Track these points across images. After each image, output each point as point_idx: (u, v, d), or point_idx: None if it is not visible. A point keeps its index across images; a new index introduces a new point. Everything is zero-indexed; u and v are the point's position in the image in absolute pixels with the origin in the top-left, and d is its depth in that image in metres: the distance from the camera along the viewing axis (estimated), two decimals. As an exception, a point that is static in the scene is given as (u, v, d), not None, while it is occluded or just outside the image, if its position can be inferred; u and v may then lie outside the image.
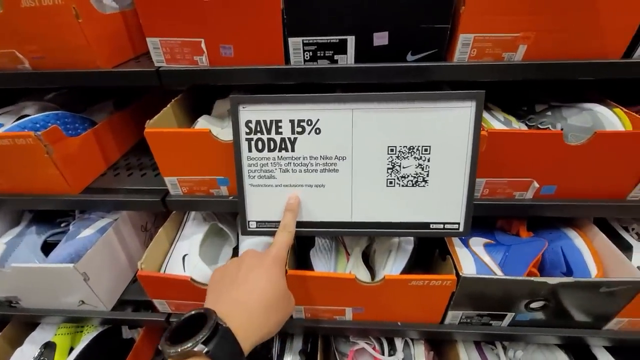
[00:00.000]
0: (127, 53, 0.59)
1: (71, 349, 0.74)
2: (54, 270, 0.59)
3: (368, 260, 0.66)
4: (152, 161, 0.69)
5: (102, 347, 0.75)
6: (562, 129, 0.55)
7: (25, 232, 0.70)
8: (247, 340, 0.36)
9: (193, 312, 0.36)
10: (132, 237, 0.72)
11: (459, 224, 0.50)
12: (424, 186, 0.49)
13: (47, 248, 0.67)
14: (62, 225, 0.72)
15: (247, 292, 0.40)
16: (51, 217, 0.74)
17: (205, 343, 0.33)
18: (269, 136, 0.48)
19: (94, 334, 0.75)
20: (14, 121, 0.63)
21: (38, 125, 0.60)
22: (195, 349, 0.32)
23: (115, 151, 0.70)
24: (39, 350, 0.71)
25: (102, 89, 0.77)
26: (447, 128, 0.46)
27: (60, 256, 0.61)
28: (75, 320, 0.72)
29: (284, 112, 0.47)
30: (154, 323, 0.67)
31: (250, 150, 0.49)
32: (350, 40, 0.47)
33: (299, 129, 0.48)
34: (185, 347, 0.32)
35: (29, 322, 0.76)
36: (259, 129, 0.48)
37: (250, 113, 0.48)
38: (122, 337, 0.79)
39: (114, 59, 0.56)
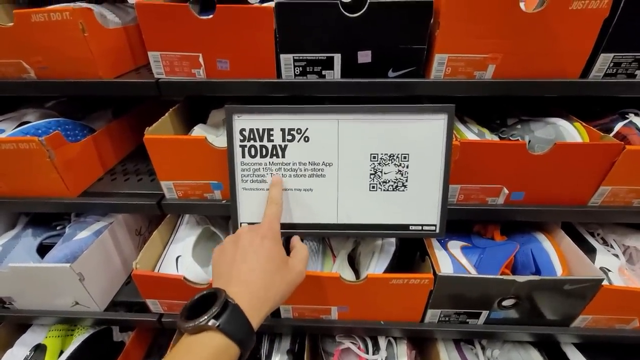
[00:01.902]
0: (128, 65, 0.63)
1: (61, 352, 0.75)
2: (50, 269, 0.61)
3: (354, 262, 0.70)
4: (148, 167, 0.72)
5: (93, 350, 0.76)
6: (529, 141, 0.60)
7: (21, 234, 0.72)
8: (255, 317, 0.38)
9: (205, 292, 0.39)
10: (126, 240, 0.74)
11: (435, 225, 0.55)
12: (403, 190, 0.53)
13: (43, 250, 0.69)
14: (58, 228, 0.74)
15: (247, 270, 0.42)
16: (47, 220, 0.76)
17: (216, 318, 0.35)
18: (261, 143, 0.52)
19: (85, 336, 0.76)
20: (15, 127, 0.66)
21: (40, 131, 0.62)
22: (209, 323, 0.35)
23: (113, 157, 0.73)
24: (29, 352, 0.72)
25: (100, 98, 0.80)
26: (423, 138, 0.51)
27: (57, 257, 0.64)
28: (69, 321, 0.73)
29: (276, 122, 0.52)
30: (146, 323, 0.68)
31: (243, 156, 0.53)
32: (337, 58, 0.51)
33: (289, 137, 0.52)
34: (199, 321, 0.35)
35: (21, 324, 0.77)
36: (252, 137, 0.52)
37: (244, 122, 0.52)
38: (113, 340, 0.80)
39: (116, 70, 0.60)
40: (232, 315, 0.36)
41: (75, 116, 0.71)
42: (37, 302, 0.69)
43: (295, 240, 0.50)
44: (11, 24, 0.52)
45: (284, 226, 0.53)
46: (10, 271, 0.61)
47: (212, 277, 0.45)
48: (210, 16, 0.50)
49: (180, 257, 0.65)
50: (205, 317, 0.35)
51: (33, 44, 0.54)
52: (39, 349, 0.73)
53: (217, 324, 0.35)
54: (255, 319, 0.39)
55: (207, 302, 0.37)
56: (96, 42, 0.55)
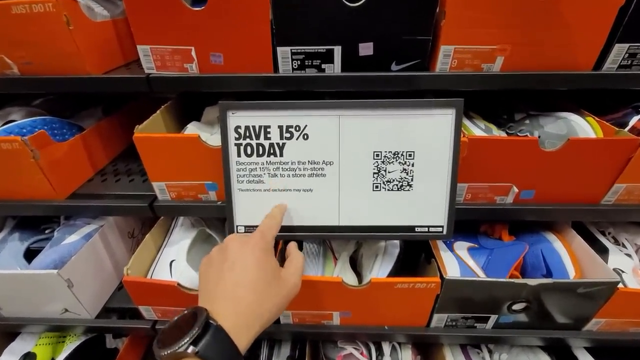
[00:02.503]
0: (118, 60, 0.60)
1: (52, 360, 0.73)
2: (37, 276, 0.58)
3: (356, 265, 0.67)
4: (140, 167, 0.68)
5: (85, 357, 0.73)
6: (539, 137, 0.58)
7: (8, 238, 0.69)
8: (242, 338, 0.35)
9: (185, 312, 0.36)
10: (118, 244, 0.72)
11: (442, 227, 0.52)
12: (408, 190, 0.51)
13: (30, 255, 0.66)
14: (47, 231, 0.71)
15: (234, 285, 0.38)
16: (35, 223, 0.73)
17: (195, 343, 0.32)
18: (257, 141, 0.49)
19: (77, 343, 0.73)
20: (0, 126, 0.63)
21: (25, 131, 0.59)
22: (188, 350, 0.31)
23: (103, 157, 0.70)
24: (18, 361, 0.69)
25: (90, 95, 0.77)
26: (429, 134, 0.48)
27: (44, 262, 0.61)
28: (58, 329, 0.70)
29: (273, 118, 0.49)
30: (139, 330, 0.66)
31: (239, 155, 0.50)
32: (337, 50, 0.49)
33: (288, 135, 0.49)
34: (175, 348, 0.31)
35: (9, 332, 0.74)
36: (248, 135, 0.49)
37: (239, 119, 0.49)
38: (106, 347, 0.77)
39: (104, 65, 0.57)
40: (214, 338, 0.33)
41: (64, 114, 0.68)
42: (24, 310, 0.66)
43: (291, 247, 0.47)
44: (-9, 16, 0.49)
45: (282, 229, 0.50)
46: (-6, 278, 0.58)
47: (199, 291, 0.41)
48: (203, 7, 0.47)
49: (175, 261, 0.62)
50: (183, 342, 0.31)
51: (15, 38, 0.51)
52: (29, 357, 0.71)
53: (197, 349, 0.31)
54: (243, 341, 0.35)
55: (187, 324, 0.33)
56: (83, 36, 0.52)
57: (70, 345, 0.74)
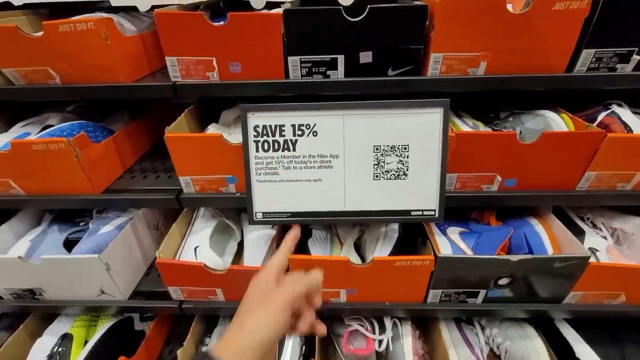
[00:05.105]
0: (144, 69, 0.67)
1: (86, 342, 0.80)
2: (80, 260, 0.66)
3: (360, 250, 0.75)
4: (165, 165, 0.77)
5: (115, 338, 0.80)
6: (520, 132, 0.65)
7: (48, 230, 0.77)
8: None
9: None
10: (145, 234, 0.79)
11: (435, 210, 0.59)
12: (404, 179, 0.58)
13: (68, 245, 0.74)
14: (81, 224, 0.78)
15: (252, 333, 0.39)
16: (70, 217, 0.80)
17: None
18: (273, 138, 0.57)
19: (108, 325, 0.80)
20: (40, 130, 0.71)
21: (65, 133, 0.67)
22: None
23: (131, 156, 0.78)
24: (57, 341, 0.77)
25: (119, 102, 0.85)
26: (421, 130, 0.56)
27: (84, 249, 0.68)
28: (96, 309, 0.78)
29: (287, 118, 0.56)
30: (167, 310, 0.73)
31: (257, 150, 0.57)
32: (340, 59, 0.56)
33: (299, 132, 0.57)
34: None
35: (49, 315, 0.81)
36: (265, 132, 0.57)
37: (257, 119, 0.56)
38: (134, 329, 0.85)
39: (134, 75, 0.64)
40: None
41: (94, 119, 0.76)
42: (65, 292, 0.73)
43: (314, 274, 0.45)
44: (40, 33, 0.57)
45: (295, 215, 0.58)
46: (42, 263, 0.66)
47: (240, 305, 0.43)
48: (223, 23, 0.54)
49: (198, 247, 0.69)
50: None
51: (59, 52, 0.58)
52: (66, 337, 0.78)
53: None
54: None
55: None
56: (117, 49, 0.59)
57: (102, 327, 0.81)
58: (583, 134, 0.57)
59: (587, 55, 0.55)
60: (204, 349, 0.81)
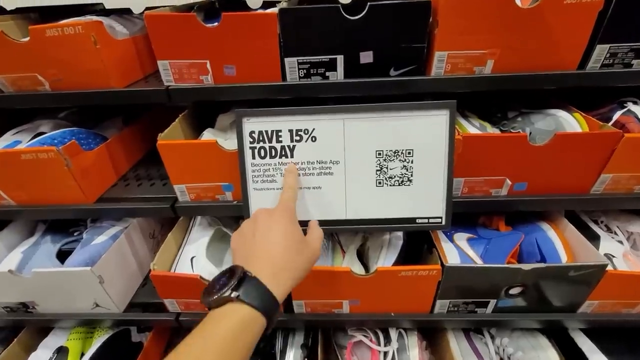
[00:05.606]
0: (137, 74, 0.65)
1: (82, 355, 0.78)
2: (72, 273, 0.63)
3: (362, 258, 0.72)
4: (160, 172, 0.74)
5: (113, 350, 0.78)
6: (530, 133, 0.62)
7: (40, 241, 0.75)
8: (278, 289, 0.39)
9: (223, 270, 0.41)
10: (141, 244, 0.77)
11: (441, 217, 0.56)
12: (409, 185, 0.55)
13: (61, 256, 0.72)
14: (75, 234, 0.76)
15: (266, 247, 0.43)
16: (64, 227, 0.78)
17: (235, 289, 0.37)
18: (270, 144, 0.54)
19: (104, 337, 0.78)
20: (31, 138, 0.68)
21: (56, 141, 0.65)
22: (232, 295, 0.37)
23: (125, 163, 0.76)
24: (52, 355, 0.75)
25: (111, 107, 0.82)
26: (426, 133, 0.52)
27: (77, 261, 0.66)
28: (90, 322, 0.75)
29: (284, 123, 0.53)
30: (164, 322, 0.71)
31: (253, 157, 0.55)
32: (340, 59, 0.53)
33: (297, 138, 0.54)
34: (219, 294, 0.37)
35: (43, 328, 0.79)
36: (261, 139, 0.54)
37: (253, 124, 0.54)
38: (132, 341, 0.83)
39: (126, 79, 0.62)
40: (251, 286, 0.38)
41: (87, 125, 0.73)
42: (58, 306, 0.71)
43: (312, 223, 0.51)
44: (27, 39, 0.55)
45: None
46: (33, 276, 0.64)
47: (233, 259, 0.45)
48: (217, 24, 0.52)
49: (195, 257, 0.67)
50: (226, 289, 0.37)
51: (48, 58, 0.56)
52: (62, 351, 0.76)
53: (238, 294, 0.37)
54: (280, 290, 0.40)
55: (228, 277, 0.39)
56: (107, 53, 0.57)
57: (99, 339, 0.79)
58: (599, 135, 0.54)
59: (601, 50, 0.52)
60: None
